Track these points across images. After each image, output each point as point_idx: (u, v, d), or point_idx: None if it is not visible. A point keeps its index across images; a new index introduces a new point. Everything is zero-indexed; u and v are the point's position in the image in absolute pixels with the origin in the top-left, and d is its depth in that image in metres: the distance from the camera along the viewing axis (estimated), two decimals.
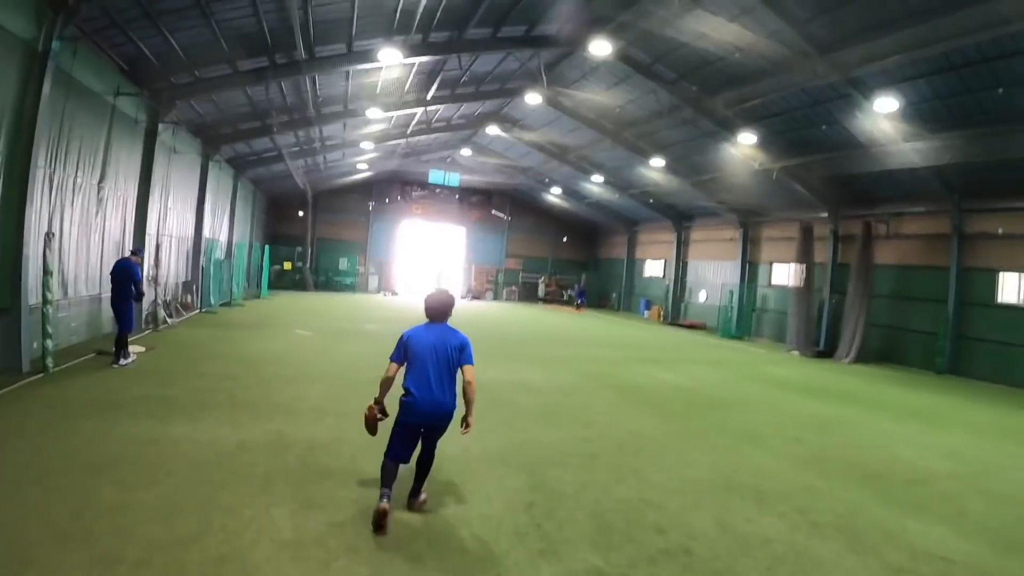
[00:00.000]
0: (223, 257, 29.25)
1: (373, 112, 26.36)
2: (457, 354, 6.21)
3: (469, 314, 33.23)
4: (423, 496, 6.50)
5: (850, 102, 20.76)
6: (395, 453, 6.11)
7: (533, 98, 27.46)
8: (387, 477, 5.99)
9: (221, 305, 26.93)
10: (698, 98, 24.39)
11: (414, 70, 23.78)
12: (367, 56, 20.25)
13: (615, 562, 5.64)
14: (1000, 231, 22.80)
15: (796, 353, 27.60)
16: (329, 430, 9.13)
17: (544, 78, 25.92)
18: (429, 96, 26.48)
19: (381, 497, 5.85)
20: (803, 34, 18.09)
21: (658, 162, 31.29)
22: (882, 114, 20.31)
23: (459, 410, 6.25)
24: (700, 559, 5.89)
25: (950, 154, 20.81)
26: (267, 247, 38.83)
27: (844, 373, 22.29)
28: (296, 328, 21.39)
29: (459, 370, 6.21)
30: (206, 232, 26.17)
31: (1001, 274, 22.84)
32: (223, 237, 30.47)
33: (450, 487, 7.14)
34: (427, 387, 6.03)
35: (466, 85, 27.65)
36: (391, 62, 20.70)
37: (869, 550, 6.48)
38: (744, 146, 26.15)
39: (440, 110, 31.36)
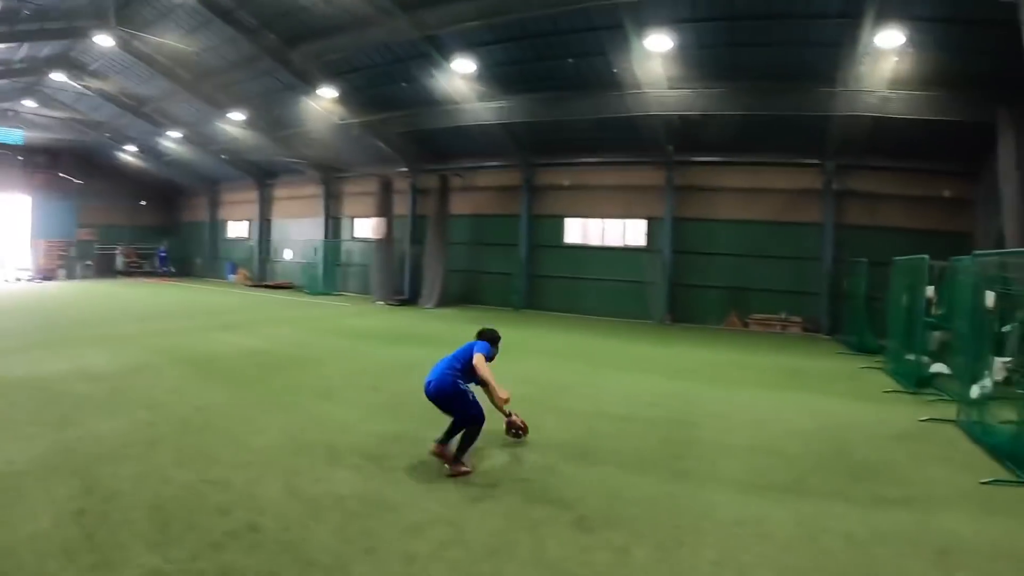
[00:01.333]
0: None
1: None
2: (463, 354, 7.43)
3: (35, 299, 27.10)
4: (457, 465, 6.85)
5: (430, 61, 21.30)
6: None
7: (104, 40, 23.79)
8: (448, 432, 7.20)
9: None
10: (279, 48, 23.26)
11: None
12: None
13: (175, 558, 4.80)
14: (566, 183, 26.30)
15: (381, 303, 28.14)
16: None
17: (114, 17, 22.83)
18: None
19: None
20: None
21: (238, 116, 29.52)
22: (459, 74, 21.25)
23: None
24: (268, 533, 5.24)
25: (520, 114, 22.80)
26: None
27: (427, 318, 23.18)
28: None
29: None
30: None
31: (566, 219, 26.72)
32: None
33: None
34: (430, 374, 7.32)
35: (29, 20, 23.06)
36: None
37: (451, 483, 6.40)
38: (325, 100, 25.67)
39: None
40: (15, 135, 37.98)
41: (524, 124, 23.64)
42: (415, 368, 12.72)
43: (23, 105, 34.85)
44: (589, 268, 25.74)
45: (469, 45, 19.97)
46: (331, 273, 33.86)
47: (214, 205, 46.06)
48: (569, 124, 23.08)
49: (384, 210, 29.35)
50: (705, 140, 22.68)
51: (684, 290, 24.01)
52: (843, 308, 20.93)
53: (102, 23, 23.56)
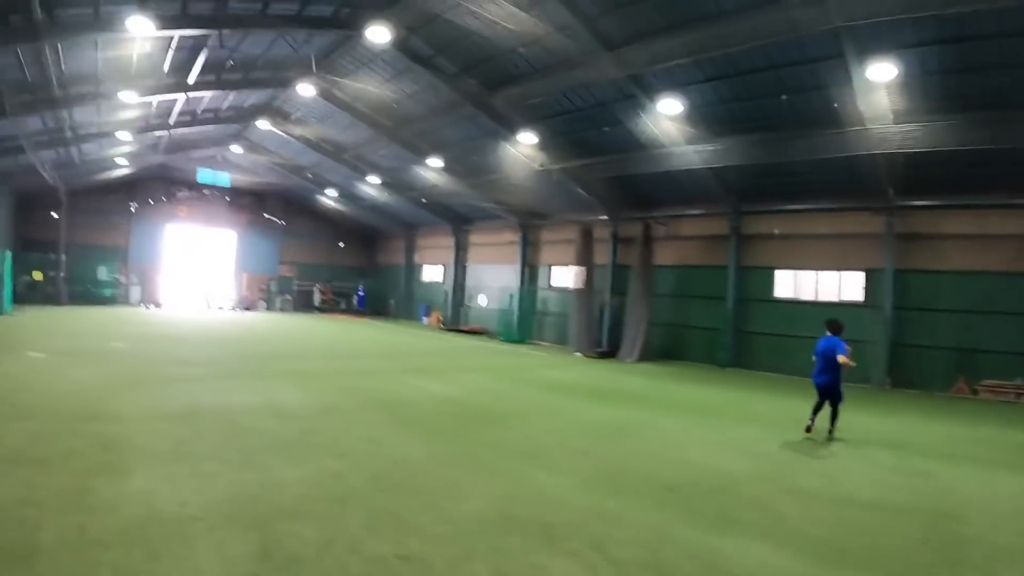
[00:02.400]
0: None
1: (127, 95, 22.27)
2: (832, 352, 11.44)
3: (234, 328, 29.76)
4: (831, 431, 11.76)
5: (634, 103, 20.59)
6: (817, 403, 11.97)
7: (306, 89, 25.16)
8: (814, 410, 11.96)
9: None
10: (479, 94, 23.29)
11: (173, 46, 20.09)
12: (115, 23, 16.62)
13: None
14: (776, 232, 24.44)
15: (579, 355, 27.40)
16: (14, 488, 6.47)
17: (317, 66, 23.87)
18: (191, 80, 22.91)
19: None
20: (592, 30, 17.52)
21: (436, 162, 30.17)
22: (665, 116, 20.33)
23: None
24: None
25: (730, 157, 21.41)
26: (9, 254, 32.41)
27: (629, 372, 22.12)
28: (29, 350, 17.50)
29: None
30: None
31: (776, 271, 24.75)
32: None
33: (152, 561, 5.03)
34: (816, 373, 11.79)
35: (234, 71, 24.57)
36: (142, 33, 17.24)
37: None
38: (525, 146, 25.54)
39: (206, 99, 27.70)
40: (223, 178, 42.50)
41: (734, 168, 22.32)
42: (626, 431, 11.83)
43: (230, 151, 37.80)
44: (801, 324, 23.11)
45: (676, 84, 19.07)
46: (527, 321, 33.69)
47: (410, 249, 48.03)
48: (781, 167, 21.55)
49: (584, 258, 28.89)
50: (930, 181, 20.22)
51: (905, 350, 21.27)
52: None
53: (304, 72, 24.66)
